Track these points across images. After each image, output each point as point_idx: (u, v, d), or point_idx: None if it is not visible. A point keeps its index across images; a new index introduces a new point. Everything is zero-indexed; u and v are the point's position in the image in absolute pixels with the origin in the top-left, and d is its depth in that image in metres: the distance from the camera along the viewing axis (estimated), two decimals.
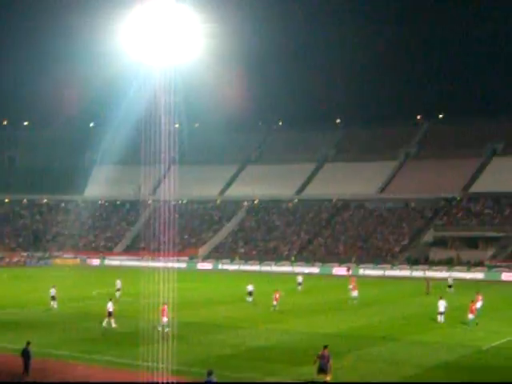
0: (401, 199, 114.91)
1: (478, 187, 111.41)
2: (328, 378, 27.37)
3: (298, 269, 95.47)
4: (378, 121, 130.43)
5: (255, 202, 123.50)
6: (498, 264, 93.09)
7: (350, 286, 60.77)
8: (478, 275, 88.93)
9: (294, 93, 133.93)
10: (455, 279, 74.35)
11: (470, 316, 44.80)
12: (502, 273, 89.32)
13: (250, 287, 58.22)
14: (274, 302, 52.15)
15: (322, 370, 27.37)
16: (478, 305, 48.48)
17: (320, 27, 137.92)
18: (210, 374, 24.03)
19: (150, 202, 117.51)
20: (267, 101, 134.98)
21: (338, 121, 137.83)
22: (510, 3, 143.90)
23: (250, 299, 57.20)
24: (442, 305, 46.54)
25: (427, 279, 72.12)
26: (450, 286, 69.18)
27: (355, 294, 59.10)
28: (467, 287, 70.88)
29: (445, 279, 73.90)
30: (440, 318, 46.17)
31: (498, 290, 72.20)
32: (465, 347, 37.31)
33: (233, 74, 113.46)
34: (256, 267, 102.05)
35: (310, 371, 29.43)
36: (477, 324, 44.21)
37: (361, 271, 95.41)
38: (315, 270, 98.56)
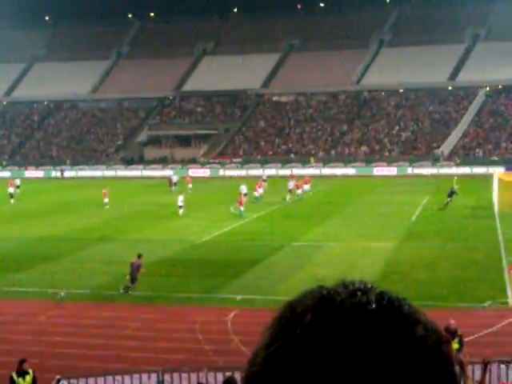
0: (114, 99, 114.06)
1: (189, 86, 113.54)
2: None
3: (6, 174, 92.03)
4: (89, 19, 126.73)
5: None
6: (211, 161, 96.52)
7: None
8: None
9: None
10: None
11: (241, 208, 48.00)
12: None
13: None
14: None
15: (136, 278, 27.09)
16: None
17: None
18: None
19: None
20: None
21: (47, 18, 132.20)
22: None
23: None
24: (180, 199, 49.45)
25: (169, 178, 72.10)
26: (175, 184, 69.70)
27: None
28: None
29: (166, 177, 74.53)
30: (180, 212, 48.97)
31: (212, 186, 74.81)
32: (180, 242, 38.44)
33: None
34: None
35: (23, 277, 29.02)
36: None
37: (75, 173, 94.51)
38: (31, 174, 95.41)
